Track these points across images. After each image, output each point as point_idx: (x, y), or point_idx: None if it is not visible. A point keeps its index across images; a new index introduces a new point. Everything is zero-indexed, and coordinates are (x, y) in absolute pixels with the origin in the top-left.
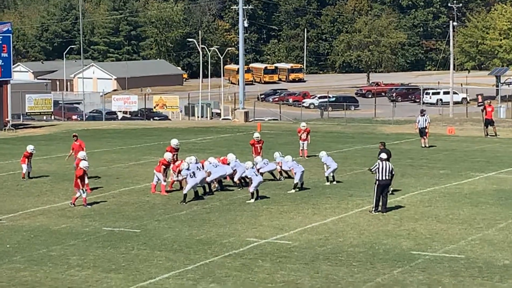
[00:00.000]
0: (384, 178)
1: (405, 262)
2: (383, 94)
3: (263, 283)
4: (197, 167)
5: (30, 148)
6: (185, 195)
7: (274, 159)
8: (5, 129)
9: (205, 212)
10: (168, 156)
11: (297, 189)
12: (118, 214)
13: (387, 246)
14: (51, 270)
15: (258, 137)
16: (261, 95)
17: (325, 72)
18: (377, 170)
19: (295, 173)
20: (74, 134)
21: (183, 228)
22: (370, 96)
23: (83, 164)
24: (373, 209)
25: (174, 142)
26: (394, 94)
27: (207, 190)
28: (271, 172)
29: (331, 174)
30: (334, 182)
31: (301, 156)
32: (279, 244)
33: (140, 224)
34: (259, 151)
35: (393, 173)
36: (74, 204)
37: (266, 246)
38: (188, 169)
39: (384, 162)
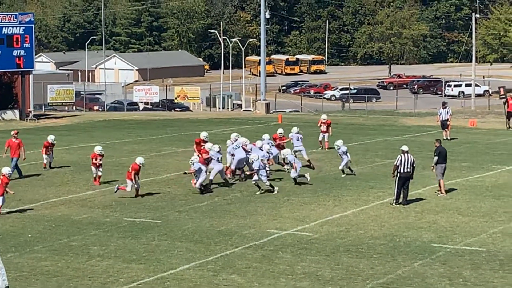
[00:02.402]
0: (405, 170)
1: (426, 255)
2: (404, 86)
3: (283, 274)
4: (218, 158)
5: (50, 138)
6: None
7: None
8: (27, 119)
9: (225, 203)
10: (139, 160)
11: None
12: (139, 204)
13: (408, 239)
14: (72, 260)
15: (281, 133)
16: (282, 86)
17: (346, 64)
18: (399, 162)
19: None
20: (15, 131)
21: (203, 219)
22: (391, 88)
23: (139, 161)
24: (394, 201)
25: (203, 134)
26: (415, 86)
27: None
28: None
29: (345, 167)
30: (354, 174)
31: (320, 147)
32: (299, 235)
33: (161, 214)
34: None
35: (414, 165)
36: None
37: (287, 238)
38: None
39: (405, 154)
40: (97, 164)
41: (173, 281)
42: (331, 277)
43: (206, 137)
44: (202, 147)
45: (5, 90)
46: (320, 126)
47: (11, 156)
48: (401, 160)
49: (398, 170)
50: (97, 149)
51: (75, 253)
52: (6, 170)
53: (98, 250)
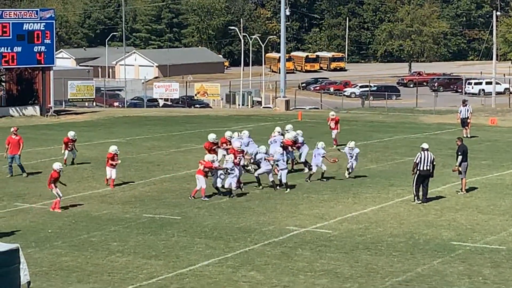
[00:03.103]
0: (425, 168)
1: (445, 253)
2: (424, 84)
3: (302, 271)
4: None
5: (70, 134)
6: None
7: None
8: (47, 115)
9: (245, 200)
10: (113, 148)
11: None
12: (159, 201)
13: (427, 236)
14: (91, 256)
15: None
16: (302, 83)
17: (366, 61)
18: (419, 159)
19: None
20: (15, 128)
21: (223, 215)
22: (411, 85)
23: (208, 158)
24: (415, 199)
25: (228, 134)
26: (436, 84)
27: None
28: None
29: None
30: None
31: (335, 145)
32: (319, 233)
33: (181, 211)
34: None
35: (434, 163)
36: (193, 197)
37: (306, 235)
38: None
39: (425, 152)
40: (114, 164)
41: (192, 277)
42: (350, 275)
43: (230, 136)
44: (221, 147)
45: (26, 86)
46: (329, 123)
47: (10, 153)
48: (420, 158)
49: (418, 168)
50: (113, 148)
51: (94, 248)
52: (57, 165)
53: (118, 246)
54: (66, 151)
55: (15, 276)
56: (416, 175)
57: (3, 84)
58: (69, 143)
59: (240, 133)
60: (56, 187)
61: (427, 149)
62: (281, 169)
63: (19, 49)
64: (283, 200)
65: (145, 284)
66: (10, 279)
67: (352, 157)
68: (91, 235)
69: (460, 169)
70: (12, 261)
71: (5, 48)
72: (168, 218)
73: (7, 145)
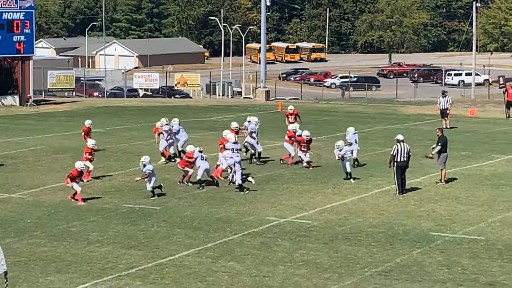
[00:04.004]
0: (403, 159)
1: (424, 243)
2: (405, 74)
3: (282, 261)
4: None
5: (87, 122)
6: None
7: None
8: (27, 105)
9: (225, 191)
10: (90, 143)
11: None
12: (138, 191)
13: (406, 227)
14: (71, 246)
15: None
16: (282, 74)
17: (347, 52)
18: (396, 151)
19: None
20: None
21: (203, 206)
22: (391, 76)
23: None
24: (398, 192)
25: (234, 124)
26: (416, 75)
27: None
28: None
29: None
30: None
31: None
32: (298, 223)
33: (160, 201)
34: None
35: (410, 154)
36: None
37: (286, 225)
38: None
39: (401, 143)
40: (91, 158)
41: (172, 267)
42: (329, 265)
43: (236, 127)
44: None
45: (5, 76)
46: (288, 117)
47: None
48: (397, 149)
49: (395, 160)
50: (91, 143)
51: (74, 239)
52: (79, 164)
53: (97, 236)
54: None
55: None
56: (395, 167)
57: None
58: (89, 132)
59: (171, 120)
60: (75, 182)
61: (402, 140)
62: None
63: None
64: (263, 191)
65: (125, 274)
66: None
67: (356, 142)
68: (70, 225)
69: (438, 160)
70: None
71: None
72: (148, 209)
73: None
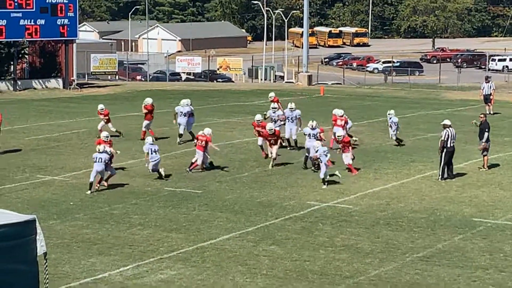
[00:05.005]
0: (451, 145)
1: (466, 229)
2: (448, 60)
3: (323, 246)
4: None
5: (148, 101)
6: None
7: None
8: (70, 88)
9: (266, 175)
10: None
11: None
12: (180, 174)
13: (448, 213)
14: (113, 228)
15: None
16: (325, 58)
17: (389, 37)
18: (447, 136)
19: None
20: None
21: (244, 190)
22: (435, 61)
23: (207, 131)
24: (440, 177)
25: (257, 117)
26: (459, 60)
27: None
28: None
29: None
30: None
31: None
32: (339, 208)
33: (202, 185)
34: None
35: (455, 139)
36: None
37: (327, 210)
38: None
39: (450, 128)
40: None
41: (213, 251)
42: (370, 250)
43: (258, 121)
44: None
45: (49, 59)
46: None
47: None
48: (448, 135)
49: (445, 145)
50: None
51: (116, 221)
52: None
53: (139, 219)
54: (145, 121)
55: (31, 247)
56: (444, 153)
57: (26, 56)
58: (152, 111)
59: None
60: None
61: (450, 126)
62: None
63: (43, 21)
64: (304, 175)
65: (166, 257)
66: (27, 250)
67: (395, 124)
68: (113, 208)
69: (486, 146)
70: (29, 232)
71: (29, 20)
72: (189, 192)
73: None
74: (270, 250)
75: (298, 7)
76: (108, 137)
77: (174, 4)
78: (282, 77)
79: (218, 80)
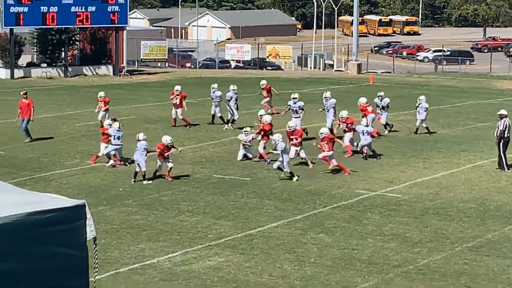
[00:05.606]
0: (507, 134)
1: None
2: (499, 49)
3: (371, 235)
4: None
5: (177, 88)
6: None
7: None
8: (120, 74)
9: (315, 163)
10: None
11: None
12: (229, 162)
13: (498, 203)
14: (162, 215)
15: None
16: (374, 47)
17: (440, 25)
18: (504, 126)
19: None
20: (24, 91)
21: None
22: (486, 51)
23: (267, 118)
24: (506, 168)
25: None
26: (510, 50)
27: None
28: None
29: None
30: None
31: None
32: (388, 197)
33: (250, 172)
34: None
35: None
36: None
37: (376, 199)
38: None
39: (506, 118)
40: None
41: (261, 238)
42: (419, 239)
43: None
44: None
45: (99, 46)
46: (262, 92)
47: (21, 117)
48: (505, 125)
49: (503, 135)
50: (166, 138)
51: (165, 208)
52: (166, 139)
53: (188, 205)
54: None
55: (81, 232)
56: (502, 143)
57: (77, 43)
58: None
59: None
60: (164, 158)
61: (506, 115)
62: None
63: (93, 8)
64: (353, 164)
65: (214, 244)
66: (76, 235)
67: (424, 110)
68: (162, 194)
69: None
70: (78, 216)
71: (80, 7)
72: (238, 179)
73: (19, 109)
74: (318, 238)
75: None
76: (172, 141)
77: None
78: (331, 66)
79: (267, 68)
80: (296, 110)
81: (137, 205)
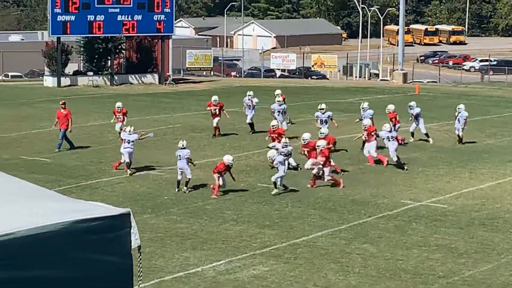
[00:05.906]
0: None
1: None
2: None
3: (416, 245)
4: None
5: (214, 98)
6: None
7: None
8: (165, 83)
9: (360, 173)
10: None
11: None
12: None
13: None
14: (206, 223)
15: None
16: (420, 56)
17: (487, 35)
18: None
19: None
20: (63, 101)
21: (337, 187)
22: None
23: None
24: None
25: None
26: None
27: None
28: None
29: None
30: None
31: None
32: (433, 207)
33: (294, 182)
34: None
35: None
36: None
37: (421, 209)
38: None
39: None
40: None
41: (305, 247)
42: (465, 250)
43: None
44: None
45: (145, 54)
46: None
47: (59, 128)
48: None
49: None
50: (228, 158)
51: (209, 216)
52: (227, 158)
53: (232, 214)
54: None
55: (126, 240)
56: None
57: (123, 52)
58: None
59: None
60: (221, 176)
61: None
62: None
63: (139, 17)
64: (398, 174)
65: (258, 253)
66: (121, 243)
67: (463, 119)
68: (206, 203)
69: None
70: (123, 225)
71: (126, 16)
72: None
73: (57, 119)
74: (363, 248)
75: (394, 4)
76: (233, 161)
77: (269, 1)
78: (377, 75)
79: (312, 77)
80: (325, 120)
81: (182, 214)
